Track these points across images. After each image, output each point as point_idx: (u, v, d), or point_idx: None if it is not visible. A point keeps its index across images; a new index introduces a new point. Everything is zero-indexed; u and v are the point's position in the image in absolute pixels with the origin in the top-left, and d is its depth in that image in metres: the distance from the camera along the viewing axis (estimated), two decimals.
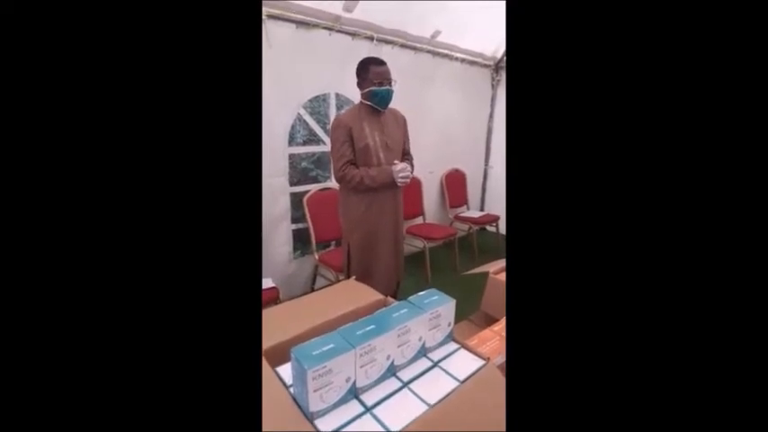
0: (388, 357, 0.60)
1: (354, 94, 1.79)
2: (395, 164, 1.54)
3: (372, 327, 0.59)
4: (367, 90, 1.50)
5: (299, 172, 2.62)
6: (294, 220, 2.21)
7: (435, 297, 0.70)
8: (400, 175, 1.52)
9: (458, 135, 3.19)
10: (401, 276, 1.74)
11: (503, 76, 3.33)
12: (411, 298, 0.69)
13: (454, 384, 0.61)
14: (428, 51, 2.68)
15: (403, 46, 2.48)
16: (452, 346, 0.71)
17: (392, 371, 0.62)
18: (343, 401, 0.56)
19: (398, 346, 0.62)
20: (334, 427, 0.52)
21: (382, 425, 0.53)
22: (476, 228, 3.12)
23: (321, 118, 2.40)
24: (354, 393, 0.57)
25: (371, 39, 2.28)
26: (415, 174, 1.78)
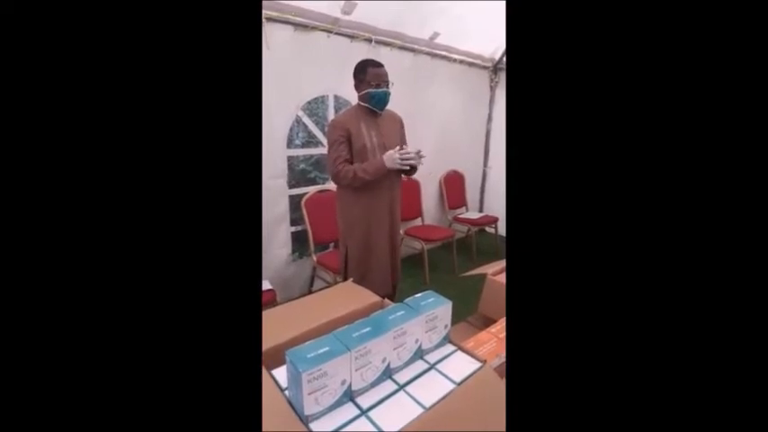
0: (384, 360, 0.60)
1: (353, 96, 1.79)
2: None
3: (368, 329, 0.59)
4: (364, 92, 1.50)
5: (298, 174, 2.63)
6: (292, 222, 2.21)
7: (432, 299, 0.70)
8: (400, 157, 1.43)
9: (456, 137, 3.19)
10: (398, 278, 1.74)
11: (501, 77, 3.34)
12: (408, 300, 0.69)
13: (450, 387, 0.61)
14: (427, 53, 2.68)
15: (401, 48, 2.49)
16: (449, 348, 0.71)
17: (388, 373, 0.62)
18: (338, 404, 0.55)
19: (394, 349, 0.62)
20: (330, 429, 0.52)
21: (378, 428, 0.53)
22: (474, 229, 3.12)
23: (319, 120, 2.41)
24: (350, 396, 0.57)
25: (370, 41, 2.28)
26: (414, 175, 1.77)
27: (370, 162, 1.49)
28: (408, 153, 1.45)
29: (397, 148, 1.47)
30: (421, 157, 1.50)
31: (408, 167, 1.51)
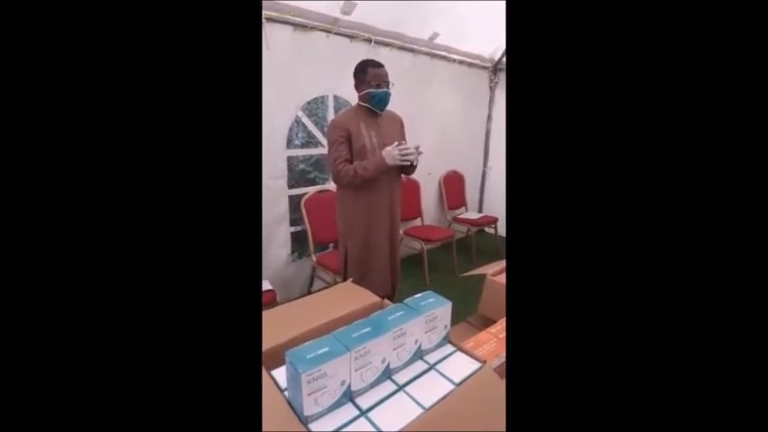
0: (384, 360, 0.60)
1: (352, 97, 1.79)
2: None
3: (368, 329, 0.59)
4: (364, 92, 1.50)
5: (297, 174, 2.62)
6: (292, 223, 2.21)
7: (432, 299, 0.69)
8: (398, 152, 1.44)
9: (456, 137, 3.19)
10: (397, 278, 1.74)
11: (501, 77, 3.34)
12: (407, 300, 0.69)
13: (450, 387, 0.61)
14: (426, 53, 2.68)
15: (401, 48, 2.49)
16: (448, 348, 0.71)
17: (387, 374, 0.62)
18: (337, 405, 0.55)
19: (394, 349, 0.62)
20: (329, 430, 0.52)
21: (377, 428, 0.53)
22: (474, 229, 3.12)
23: (319, 120, 2.41)
24: (349, 397, 0.57)
25: (369, 41, 2.28)
26: (414, 176, 1.77)
27: (369, 160, 1.49)
28: (407, 148, 1.46)
29: (395, 143, 1.47)
30: (419, 153, 1.50)
31: (408, 163, 1.50)
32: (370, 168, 1.47)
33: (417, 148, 1.49)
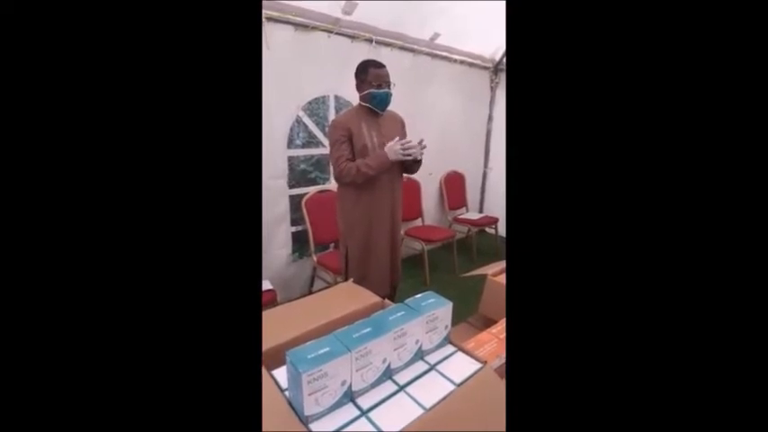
0: (384, 360, 0.60)
1: (353, 97, 1.79)
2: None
3: (369, 330, 0.59)
4: (365, 92, 1.50)
5: (298, 174, 2.62)
6: (293, 223, 2.21)
7: (432, 299, 0.69)
8: (401, 147, 1.45)
9: (456, 137, 3.19)
10: (398, 278, 1.74)
11: (501, 78, 3.34)
12: (408, 300, 0.69)
13: (451, 388, 0.61)
14: (427, 54, 2.68)
15: (402, 48, 2.49)
16: (449, 348, 0.71)
17: (388, 374, 0.62)
18: (338, 405, 0.55)
19: (395, 349, 0.62)
20: (330, 430, 0.52)
21: (378, 428, 0.53)
22: (474, 230, 3.12)
23: (320, 120, 2.41)
24: (350, 397, 0.57)
25: (370, 41, 2.28)
26: (415, 176, 1.77)
27: (372, 157, 1.48)
28: (409, 142, 1.47)
29: (397, 138, 1.47)
30: (423, 147, 1.50)
31: (411, 159, 1.50)
32: (374, 165, 1.46)
33: (421, 142, 1.50)
